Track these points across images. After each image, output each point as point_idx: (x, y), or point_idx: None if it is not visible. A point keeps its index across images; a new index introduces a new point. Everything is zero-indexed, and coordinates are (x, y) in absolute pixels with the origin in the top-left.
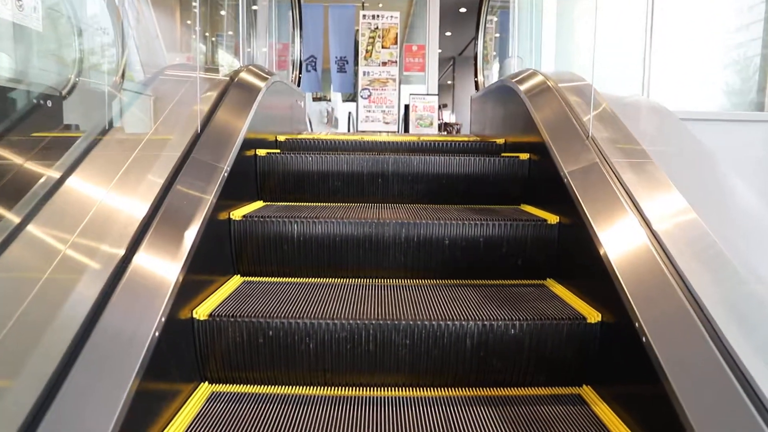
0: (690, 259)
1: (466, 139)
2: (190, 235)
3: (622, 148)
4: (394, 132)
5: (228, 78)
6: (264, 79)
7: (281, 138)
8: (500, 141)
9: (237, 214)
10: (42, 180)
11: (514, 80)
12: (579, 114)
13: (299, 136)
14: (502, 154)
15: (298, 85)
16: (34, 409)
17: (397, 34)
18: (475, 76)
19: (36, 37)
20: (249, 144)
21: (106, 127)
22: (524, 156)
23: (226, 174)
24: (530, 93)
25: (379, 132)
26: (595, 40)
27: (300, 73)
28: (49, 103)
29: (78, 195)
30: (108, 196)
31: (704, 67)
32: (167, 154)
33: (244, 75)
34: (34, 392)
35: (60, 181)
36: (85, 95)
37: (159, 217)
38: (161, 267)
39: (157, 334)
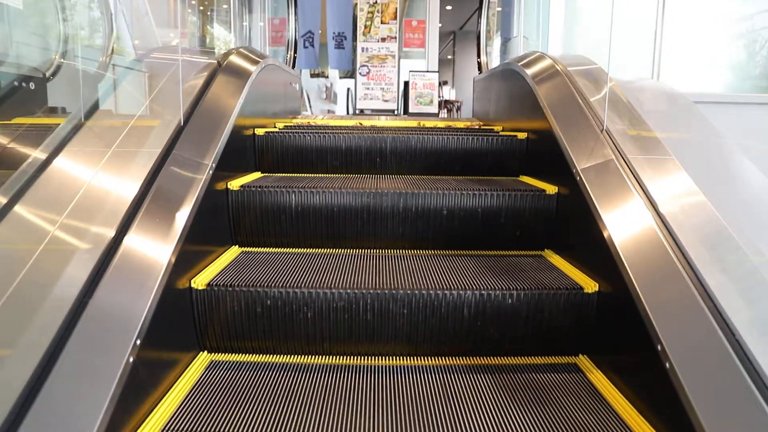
0: (692, 235)
1: (468, 124)
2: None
3: (638, 143)
4: (393, 110)
5: (215, 62)
6: (255, 62)
7: (279, 124)
8: (504, 128)
9: (234, 184)
10: (21, 168)
11: (520, 63)
12: (592, 103)
13: (293, 122)
14: (501, 133)
15: (293, 66)
16: (32, 378)
17: (396, 8)
18: (478, 56)
19: (16, 15)
20: (238, 131)
21: (82, 119)
22: (522, 136)
23: (210, 171)
24: (538, 78)
25: (378, 116)
26: (612, 23)
27: (295, 53)
28: (32, 85)
29: (62, 179)
30: (96, 176)
31: (710, 41)
32: (146, 151)
33: (233, 59)
34: (32, 362)
35: (46, 162)
36: (71, 76)
37: (151, 196)
38: (158, 237)
39: (155, 302)
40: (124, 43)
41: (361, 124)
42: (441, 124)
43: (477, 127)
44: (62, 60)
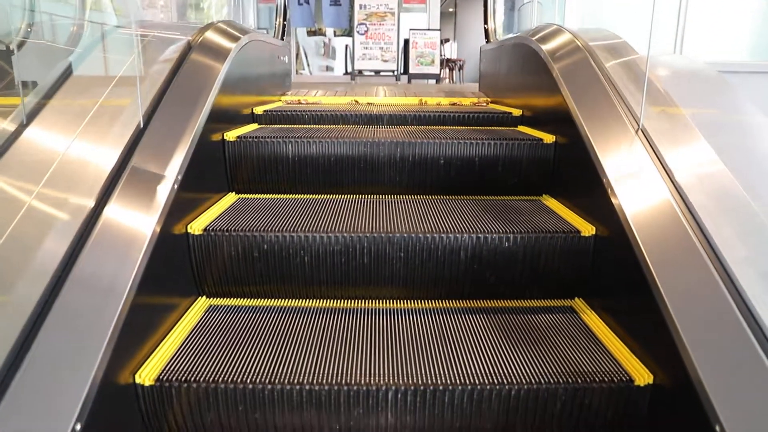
0: (694, 181)
1: (475, 101)
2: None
3: (677, 140)
4: (393, 71)
5: (186, 43)
6: (234, 39)
7: (264, 106)
8: (511, 106)
9: (231, 135)
10: None
11: (534, 38)
12: (623, 92)
13: (282, 99)
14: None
15: (283, 35)
16: (27, 324)
17: None
18: (485, 22)
19: None
20: (212, 129)
21: (24, 122)
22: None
23: (176, 186)
24: (555, 56)
25: (375, 88)
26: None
27: (284, 20)
28: None
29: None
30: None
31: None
32: (98, 162)
33: (208, 37)
34: (26, 309)
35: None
36: (39, 48)
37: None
38: (152, 183)
39: (150, 247)
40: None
41: (356, 102)
42: (444, 101)
43: (485, 104)
44: (30, 30)
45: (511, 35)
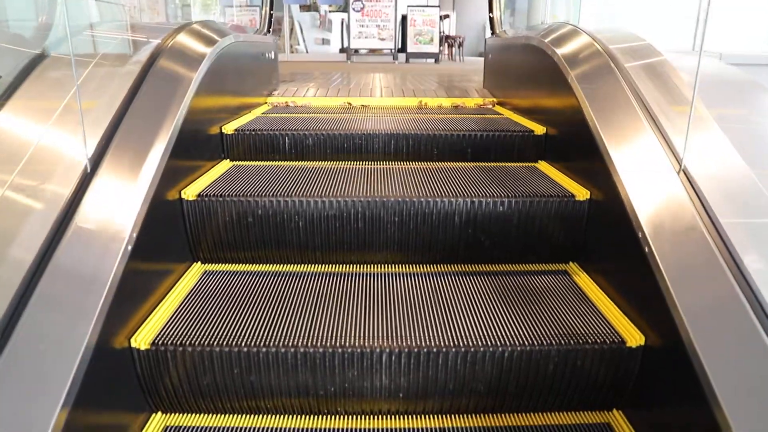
0: (696, 157)
1: (480, 102)
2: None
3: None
4: (390, 49)
5: (153, 48)
6: (210, 42)
7: (263, 107)
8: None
9: (229, 128)
10: None
11: (547, 40)
12: (658, 117)
13: (268, 101)
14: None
15: (269, 28)
16: (20, 288)
17: None
18: (490, 10)
19: None
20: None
21: None
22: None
23: (134, 235)
24: (572, 61)
25: (372, 81)
26: None
27: (271, 9)
28: None
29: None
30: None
31: None
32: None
33: (179, 40)
34: (18, 273)
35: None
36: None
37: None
38: (143, 148)
39: (144, 210)
40: None
41: (349, 104)
42: (446, 103)
43: (491, 105)
44: None
45: (519, 34)
